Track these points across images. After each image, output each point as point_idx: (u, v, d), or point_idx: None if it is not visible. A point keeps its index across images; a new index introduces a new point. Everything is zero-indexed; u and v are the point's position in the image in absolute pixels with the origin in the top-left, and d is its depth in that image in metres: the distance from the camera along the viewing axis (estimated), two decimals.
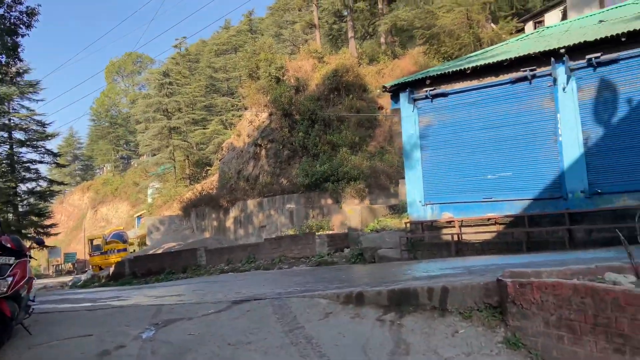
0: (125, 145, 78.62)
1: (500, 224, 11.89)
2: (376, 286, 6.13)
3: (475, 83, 12.25)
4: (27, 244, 7.43)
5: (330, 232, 15.59)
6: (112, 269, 20.22)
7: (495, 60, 11.72)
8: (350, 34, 32.02)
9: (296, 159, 27.97)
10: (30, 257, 6.33)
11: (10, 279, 5.60)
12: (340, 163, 24.49)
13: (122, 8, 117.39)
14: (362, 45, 34.04)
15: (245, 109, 37.32)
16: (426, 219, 12.75)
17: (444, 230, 12.58)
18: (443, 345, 4.99)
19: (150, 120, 50.53)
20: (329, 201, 24.68)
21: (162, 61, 70.78)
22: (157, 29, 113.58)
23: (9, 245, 6.03)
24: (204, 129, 50.87)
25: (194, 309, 6.46)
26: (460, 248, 12.13)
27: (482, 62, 11.91)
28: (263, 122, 30.96)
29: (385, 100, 28.30)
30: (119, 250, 32.08)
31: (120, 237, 33.89)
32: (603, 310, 3.98)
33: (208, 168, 47.05)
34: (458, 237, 12.20)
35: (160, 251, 22.69)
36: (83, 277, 22.76)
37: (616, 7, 13.37)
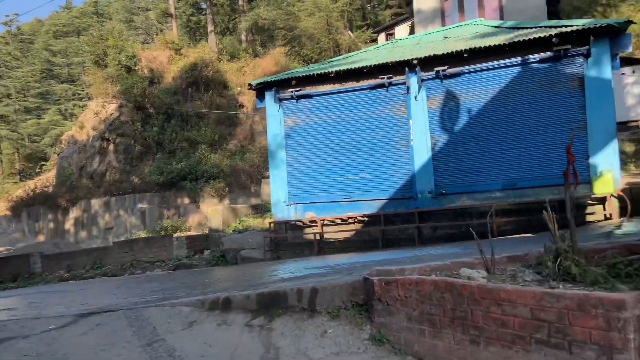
0: None
1: (359, 222, 12.45)
2: (244, 290, 5.86)
3: (338, 87, 12.66)
4: None
5: (189, 233, 14.77)
6: None
7: (356, 66, 12.23)
8: (210, 27, 31.08)
9: (149, 156, 26.24)
10: None
11: None
12: (198, 161, 23.64)
13: None
14: (222, 41, 33.23)
15: (90, 98, 33.94)
16: (290, 219, 12.80)
17: (307, 230, 12.77)
18: (313, 346, 4.93)
19: None
20: (186, 200, 23.63)
21: None
22: None
23: None
24: (38, 118, 45.04)
25: (30, 325, 5.52)
26: (322, 247, 12.42)
27: (344, 67, 12.35)
28: (111, 114, 28.43)
29: (247, 98, 28.06)
30: None
31: None
32: (460, 304, 4.20)
33: (43, 163, 41.77)
34: (320, 236, 12.47)
35: None
36: None
37: (457, 26, 14.91)
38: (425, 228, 11.82)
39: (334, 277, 6.00)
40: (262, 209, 16.14)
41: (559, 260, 4.09)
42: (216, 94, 27.52)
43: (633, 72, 16.94)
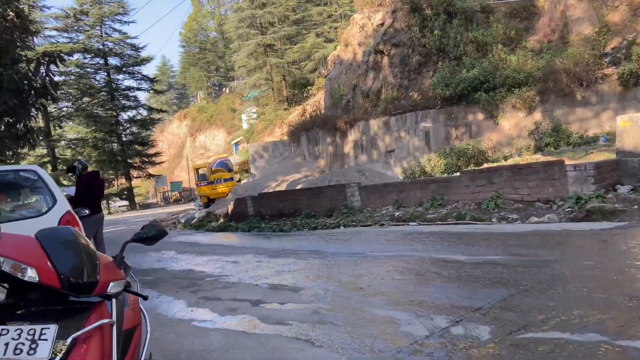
0: (216, 72, 76.27)
1: None
2: None
3: None
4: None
5: (594, 158, 9.99)
6: (230, 207, 17.01)
7: None
8: None
9: (430, 66, 22.61)
10: (130, 292, 2.12)
11: None
12: (495, 66, 18.99)
13: None
14: None
15: (352, 12, 31.79)
16: None
17: None
18: None
19: (244, 37, 46.45)
20: (479, 116, 19.55)
21: None
22: None
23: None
24: (299, 44, 46.00)
25: None
26: None
27: None
28: (380, 24, 25.51)
29: None
30: (225, 180, 29.40)
31: (225, 166, 31.12)
32: None
33: (309, 88, 42.75)
34: None
35: (284, 186, 19.02)
36: (197, 214, 20.06)
37: None
38: None
39: None
40: None
41: None
42: None
43: None
